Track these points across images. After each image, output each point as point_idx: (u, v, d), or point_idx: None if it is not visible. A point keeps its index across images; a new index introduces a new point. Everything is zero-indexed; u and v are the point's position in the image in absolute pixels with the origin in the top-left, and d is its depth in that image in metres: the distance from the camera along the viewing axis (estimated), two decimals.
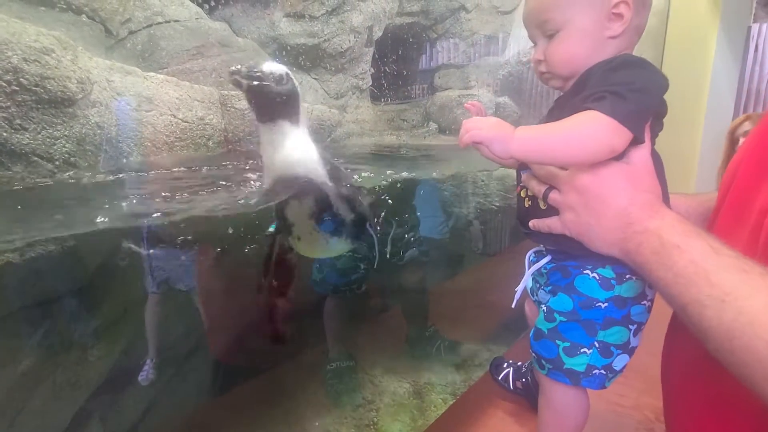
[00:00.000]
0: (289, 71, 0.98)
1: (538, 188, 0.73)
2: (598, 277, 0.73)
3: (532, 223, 0.76)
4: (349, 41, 3.04)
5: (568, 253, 0.75)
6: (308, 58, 2.96)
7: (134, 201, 1.23)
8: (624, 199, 0.64)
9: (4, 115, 1.18)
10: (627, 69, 0.67)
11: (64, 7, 1.62)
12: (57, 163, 1.31)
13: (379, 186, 1.41)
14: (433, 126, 3.61)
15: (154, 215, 1.12)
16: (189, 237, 1.42)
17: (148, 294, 1.58)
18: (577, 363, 0.76)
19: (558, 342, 0.77)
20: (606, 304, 0.73)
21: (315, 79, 3.09)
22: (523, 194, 0.80)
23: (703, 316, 0.51)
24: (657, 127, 0.71)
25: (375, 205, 1.29)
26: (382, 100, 3.67)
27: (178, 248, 1.48)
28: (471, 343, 2.03)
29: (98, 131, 1.42)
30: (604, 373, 0.77)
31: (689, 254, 0.55)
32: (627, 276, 0.72)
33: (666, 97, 0.69)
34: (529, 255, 0.86)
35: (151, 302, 1.60)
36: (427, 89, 3.98)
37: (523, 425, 1.18)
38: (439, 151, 2.79)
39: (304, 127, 1.03)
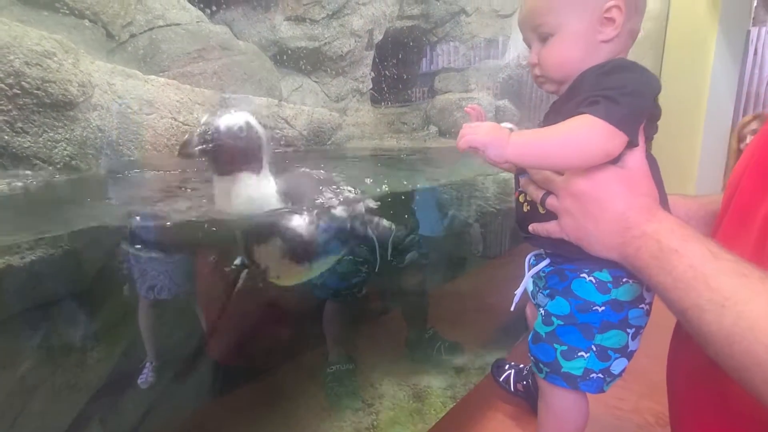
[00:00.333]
0: (249, 120, 0.94)
1: (536, 193, 0.74)
2: (594, 281, 0.73)
3: (531, 228, 0.76)
4: (350, 45, 3.05)
5: (566, 256, 0.75)
6: (309, 61, 2.97)
7: (130, 203, 1.24)
8: (621, 203, 0.64)
9: (5, 118, 1.18)
10: (619, 73, 0.68)
11: (67, 11, 1.62)
12: (58, 166, 1.31)
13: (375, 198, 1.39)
14: (433, 129, 3.62)
15: (147, 217, 1.12)
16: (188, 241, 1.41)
17: (145, 298, 1.58)
18: (574, 366, 0.76)
19: (555, 345, 0.77)
20: (603, 308, 0.73)
21: (315, 82, 3.10)
22: (521, 199, 0.80)
23: (703, 320, 0.51)
24: (651, 130, 0.72)
25: (367, 213, 1.27)
26: (383, 103, 3.68)
27: (175, 252, 1.48)
28: (471, 346, 2.03)
29: (99, 134, 1.42)
30: (602, 377, 0.77)
31: (688, 259, 0.55)
32: (624, 279, 0.72)
33: (665, 100, 0.69)
34: (529, 258, 0.86)
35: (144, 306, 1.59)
36: (428, 92, 3.99)
37: (524, 429, 1.18)
38: (438, 155, 2.79)
39: (266, 170, 0.99)
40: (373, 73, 3.40)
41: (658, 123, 0.73)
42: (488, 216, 2.50)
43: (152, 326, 1.63)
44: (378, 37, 3.27)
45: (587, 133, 0.62)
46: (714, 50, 2.80)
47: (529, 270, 0.85)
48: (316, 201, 1.13)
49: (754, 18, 3.33)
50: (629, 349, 0.76)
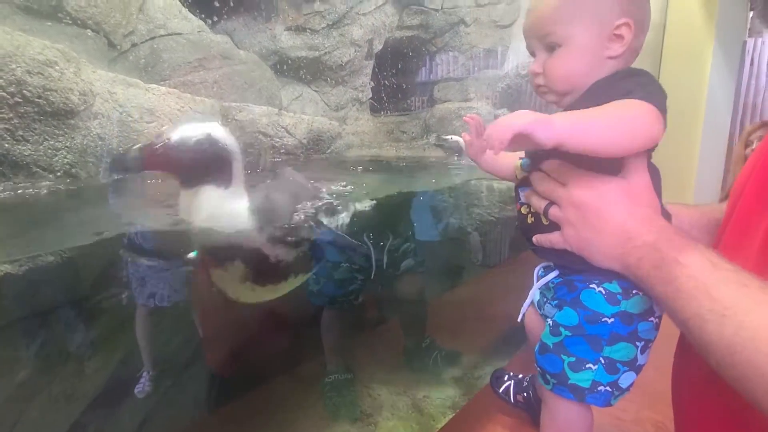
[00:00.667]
0: (211, 131, 0.87)
1: (539, 204, 0.74)
2: (604, 292, 0.72)
3: (536, 239, 0.76)
4: (350, 54, 3.08)
5: (575, 267, 0.75)
6: (309, 70, 2.99)
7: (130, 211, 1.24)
8: (622, 214, 0.65)
9: (6, 126, 1.19)
10: (635, 77, 0.69)
11: (69, 21, 1.64)
12: (58, 174, 1.32)
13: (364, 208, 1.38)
14: (432, 138, 3.64)
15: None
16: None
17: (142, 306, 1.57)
18: (581, 378, 0.75)
19: (563, 356, 0.76)
20: (612, 320, 0.72)
21: (315, 91, 3.13)
22: (524, 210, 0.80)
23: (704, 330, 0.51)
24: None
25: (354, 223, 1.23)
26: (382, 112, 3.70)
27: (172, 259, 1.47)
28: (470, 356, 2.02)
29: (99, 142, 1.43)
30: (610, 390, 0.75)
31: (689, 269, 0.55)
32: (634, 291, 0.71)
33: None
34: (538, 269, 0.86)
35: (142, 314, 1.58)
36: (427, 101, 4.02)
37: None
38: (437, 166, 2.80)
39: (236, 185, 0.91)
40: (372, 83, 3.43)
41: None
42: (487, 224, 2.50)
43: (149, 335, 1.63)
44: (378, 46, 3.30)
45: (637, 112, 0.61)
46: (711, 61, 2.82)
47: (537, 281, 0.84)
48: (292, 219, 1.05)
49: (750, 29, 3.36)
50: (638, 363, 0.75)
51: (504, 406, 1.29)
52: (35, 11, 1.55)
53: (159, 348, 1.67)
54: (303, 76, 2.99)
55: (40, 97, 1.22)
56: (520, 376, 1.32)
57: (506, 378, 1.33)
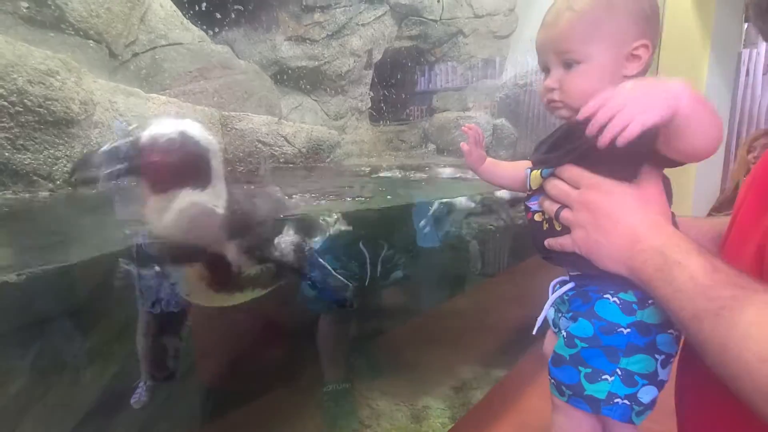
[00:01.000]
0: (186, 130, 0.79)
1: (551, 208, 0.74)
2: (619, 302, 0.72)
3: (547, 243, 0.76)
4: (349, 64, 3.10)
5: (589, 276, 0.74)
6: (309, 80, 3.02)
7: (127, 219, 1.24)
8: (633, 219, 0.66)
9: (7, 135, 1.19)
10: None
11: (72, 32, 1.65)
12: (58, 182, 1.32)
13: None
14: (431, 147, 3.66)
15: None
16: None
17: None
18: (597, 390, 0.73)
19: (580, 368, 0.75)
20: (628, 330, 0.71)
21: (315, 100, 3.15)
22: (538, 218, 0.80)
23: (701, 330, 0.52)
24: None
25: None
26: (381, 121, 3.73)
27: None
28: (471, 365, 2.01)
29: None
30: (628, 403, 0.73)
31: (689, 270, 0.55)
32: (650, 301, 0.70)
33: None
34: (554, 284, 0.85)
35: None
36: (426, 111, 4.04)
37: None
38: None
39: (215, 184, 0.85)
40: (371, 92, 3.46)
41: None
42: (486, 233, 2.50)
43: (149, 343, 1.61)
44: (377, 56, 3.34)
45: (716, 118, 0.62)
46: (707, 72, 2.86)
47: (552, 294, 0.84)
48: (262, 228, 1.01)
49: (745, 40, 3.40)
50: (659, 378, 0.73)
51: (502, 417, 1.28)
52: (38, 21, 1.56)
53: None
54: (303, 86, 3.02)
55: (41, 107, 1.23)
56: None
57: None
